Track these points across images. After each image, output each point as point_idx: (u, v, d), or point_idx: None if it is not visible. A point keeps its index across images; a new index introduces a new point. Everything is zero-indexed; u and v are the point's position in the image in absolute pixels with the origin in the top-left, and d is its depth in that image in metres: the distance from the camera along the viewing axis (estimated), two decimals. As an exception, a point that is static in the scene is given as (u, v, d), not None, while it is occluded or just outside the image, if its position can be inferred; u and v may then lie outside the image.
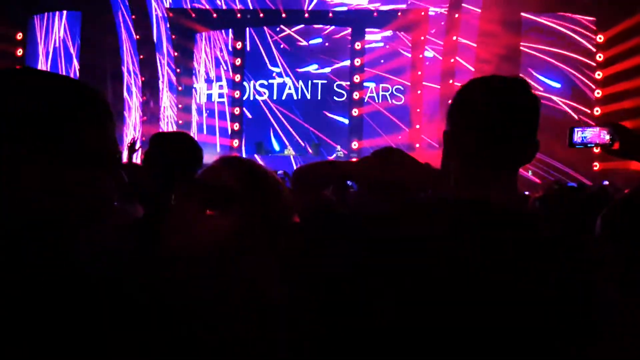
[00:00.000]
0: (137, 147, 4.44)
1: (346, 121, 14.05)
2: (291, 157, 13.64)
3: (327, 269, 1.07)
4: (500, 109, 0.99)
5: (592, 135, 1.52)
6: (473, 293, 0.91)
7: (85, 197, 0.74)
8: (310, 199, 1.42)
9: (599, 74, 11.21)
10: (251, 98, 15.11)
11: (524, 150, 1.01)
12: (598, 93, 11.20)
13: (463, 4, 11.84)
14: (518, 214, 1.00)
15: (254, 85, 15.16)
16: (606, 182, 9.49)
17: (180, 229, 1.01)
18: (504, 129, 0.99)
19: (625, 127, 1.47)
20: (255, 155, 13.83)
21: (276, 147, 14.97)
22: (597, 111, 11.10)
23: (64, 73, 13.01)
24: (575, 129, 1.53)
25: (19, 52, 12.97)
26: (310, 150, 13.90)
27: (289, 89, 14.99)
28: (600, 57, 11.16)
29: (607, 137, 1.47)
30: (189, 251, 0.92)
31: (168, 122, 14.23)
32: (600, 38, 11.09)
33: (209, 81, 15.17)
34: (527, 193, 8.19)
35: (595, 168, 10.58)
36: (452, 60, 12.23)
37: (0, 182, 0.68)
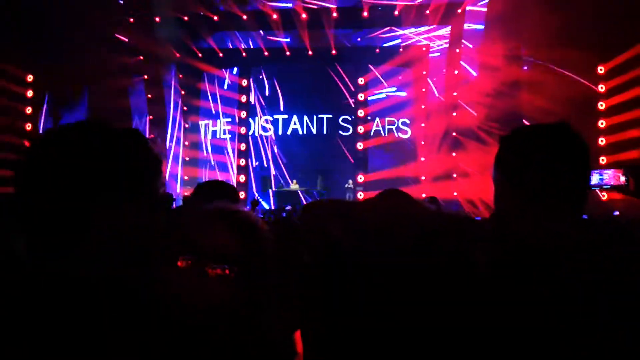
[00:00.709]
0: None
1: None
2: (298, 191, 13.67)
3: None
4: (556, 161, 1.02)
5: (609, 177, 1.54)
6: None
7: (161, 237, 0.84)
8: (318, 238, 1.44)
9: (601, 105, 11.30)
10: (257, 134, 15.28)
11: (583, 194, 1.05)
12: (602, 123, 11.25)
13: (463, 40, 12.08)
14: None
15: (259, 122, 15.36)
16: (617, 213, 9.43)
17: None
18: (560, 176, 1.02)
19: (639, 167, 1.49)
20: (262, 192, 13.89)
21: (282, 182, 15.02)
22: (601, 141, 11.13)
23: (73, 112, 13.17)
24: (593, 172, 1.55)
25: (29, 93, 13.29)
26: (317, 186, 13.95)
27: (294, 124, 15.15)
28: (602, 87, 11.27)
29: (623, 178, 1.49)
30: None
31: (176, 159, 14.38)
32: (601, 69, 11.23)
33: (214, 118, 15.38)
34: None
35: (603, 198, 10.54)
36: (455, 94, 12.38)
37: (103, 223, 0.76)
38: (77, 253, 0.75)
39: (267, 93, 15.43)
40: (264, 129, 15.39)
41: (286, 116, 15.18)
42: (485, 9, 11.48)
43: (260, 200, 10.41)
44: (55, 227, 0.75)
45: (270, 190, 14.20)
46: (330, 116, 14.89)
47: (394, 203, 1.43)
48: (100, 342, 0.70)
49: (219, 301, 0.95)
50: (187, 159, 14.51)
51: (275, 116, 15.27)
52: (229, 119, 15.09)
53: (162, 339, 0.73)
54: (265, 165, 15.31)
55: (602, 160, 10.90)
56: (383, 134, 14.09)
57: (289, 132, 15.13)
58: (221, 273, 0.97)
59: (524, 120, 11.19)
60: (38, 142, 0.79)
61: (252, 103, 15.07)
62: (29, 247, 0.76)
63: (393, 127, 14.17)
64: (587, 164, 1.05)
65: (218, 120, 15.29)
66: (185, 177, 14.05)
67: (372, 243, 1.37)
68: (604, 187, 10.57)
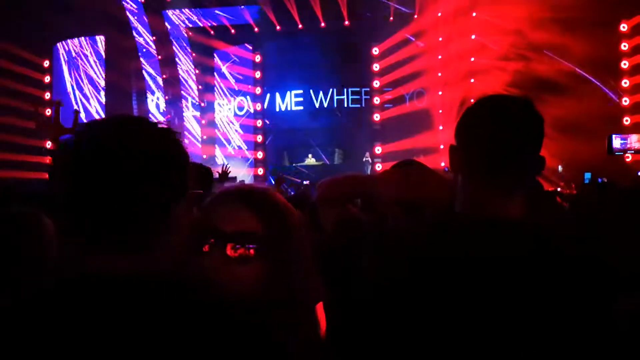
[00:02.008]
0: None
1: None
2: (317, 166, 13.65)
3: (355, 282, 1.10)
4: (506, 128, 1.03)
5: (632, 141, 1.51)
6: (490, 309, 0.94)
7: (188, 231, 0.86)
8: (335, 213, 1.44)
9: (625, 64, 10.95)
10: (277, 109, 15.16)
11: (530, 166, 1.06)
12: (626, 83, 10.93)
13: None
14: (534, 230, 1.03)
15: (276, 97, 15.25)
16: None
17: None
18: (510, 147, 1.03)
19: None
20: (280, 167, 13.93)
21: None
22: (625, 101, 10.83)
23: (91, 95, 13.34)
24: (614, 136, 1.53)
25: (47, 79, 13.44)
26: (335, 160, 13.88)
27: (309, 98, 14.99)
28: (625, 45, 10.91)
29: None
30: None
31: (193, 138, 14.47)
32: (624, 27, 10.85)
33: (232, 95, 15.35)
34: (559, 189, 8.04)
35: (627, 160, 10.30)
36: (472, 59, 12.12)
37: (158, 224, 0.78)
38: (138, 254, 0.77)
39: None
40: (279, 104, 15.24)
41: (301, 91, 15.05)
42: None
43: (286, 176, 10.40)
44: (110, 229, 0.75)
45: (285, 166, 14.20)
46: (344, 89, 14.70)
47: (410, 176, 1.42)
48: (164, 345, 0.71)
49: (244, 282, 0.94)
50: (204, 137, 14.58)
51: (293, 91, 15.12)
52: (241, 98, 15.03)
53: (211, 331, 0.74)
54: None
55: (626, 120, 10.62)
56: (399, 104, 13.90)
57: (302, 107, 14.98)
58: (244, 253, 0.95)
59: (544, 85, 10.94)
60: (83, 139, 0.78)
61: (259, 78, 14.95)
62: (75, 248, 0.77)
63: (407, 97, 13.96)
64: (537, 145, 1.05)
65: (232, 98, 15.24)
66: (204, 156, 14.16)
67: (390, 223, 1.37)
68: (628, 151, 10.34)
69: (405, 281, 1.01)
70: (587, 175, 8.64)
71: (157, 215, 0.78)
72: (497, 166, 1.03)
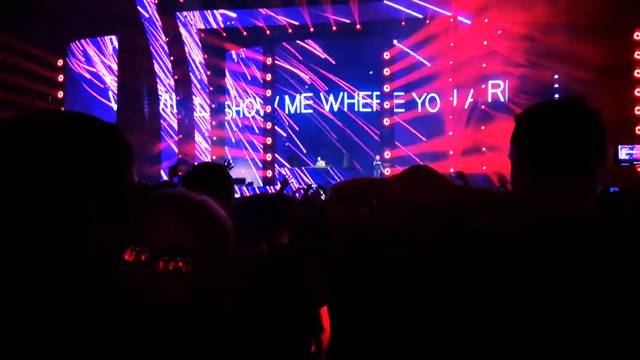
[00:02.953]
0: (178, 170, 4.68)
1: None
2: (328, 168, 13.65)
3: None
4: (569, 128, 1.05)
5: (638, 152, 1.51)
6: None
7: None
8: (344, 215, 1.44)
9: (638, 72, 10.85)
10: (290, 111, 15.19)
11: (597, 162, 1.07)
12: (638, 92, 10.83)
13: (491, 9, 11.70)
14: (611, 227, 1.04)
15: (285, 100, 15.28)
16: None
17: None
18: (573, 150, 1.04)
19: None
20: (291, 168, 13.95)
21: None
22: (638, 110, 10.73)
23: (103, 95, 13.46)
24: (620, 146, 1.53)
25: (60, 78, 13.58)
26: (344, 163, 13.88)
27: (320, 101, 15.01)
28: (638, 54, 10.81)
29: None
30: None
31: (203, 139, 14.53)
32: (637, 35, 10.75)
33: (241, 97, 15.41)
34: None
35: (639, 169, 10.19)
36: (484, 65, 12.07)
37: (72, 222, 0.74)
38: (50, 251, 0.72)
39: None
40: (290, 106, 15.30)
41: (310, 94, 15.08)
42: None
43: (292, 179, 10.39)
44: (25, 227, 0.71)
45: (295, 168, 14.22)
46: (356, 92, 14.72)
47: (420, 181, 1.42)
48: (70, 346, 0.68)
49: (174, 297, 0.88)
50: (214, 138, 14.64)
51: (303, 94, 15.15)
52: (251, 99, 15.09)
53: (123, 339, 0.71)
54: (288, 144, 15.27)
55: (639, 130, 10.51)
56: (410, 109, 13.87)
57: (311, 110, 14.99)
58: (174, 267, 0.88)
59: (555, 92, 10.85)
60: None
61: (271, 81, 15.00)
62: None
63: (419, 101, 13.93)
64: (601, 140, 1.07)
65: (242, 100, 15.29)
66: (214, 157, 14.21)
67: (400, 229, 1.37)
68: (634, 162, 10.19)
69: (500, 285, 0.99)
70: (600, 190, 8.53)
71: (63, 211, 0.73)
72: (566, 166, 1.04)
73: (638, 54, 10.83)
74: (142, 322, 0.74)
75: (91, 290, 0.73)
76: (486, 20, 11.90)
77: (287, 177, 6.86)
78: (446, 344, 0.95)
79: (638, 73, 10.84)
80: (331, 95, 14.82)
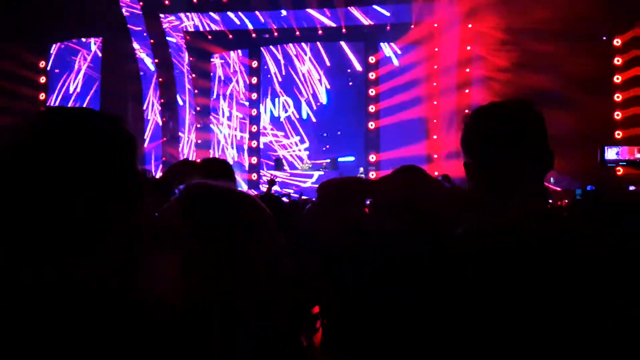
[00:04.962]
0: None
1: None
2: (314, 173, 13.67)
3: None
4: (510, 132, 1.06)
5: (624, 153, 1.53)
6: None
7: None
8: (337, 215, 1.44)
9: (618, 78, 11.06)
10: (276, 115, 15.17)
11: (542, 161, 1.08)
12: (618, 97, 11.03)
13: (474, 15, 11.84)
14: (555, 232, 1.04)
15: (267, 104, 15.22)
16: (632, 188, 9.30)
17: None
18: (518, 149, 1.05)
19: None
20: (275, 172, 13.93)
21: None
22: (617, 115, 10.93)
23: (88, 96, 13.27)
24: (607, 147, 1.56)
25: (42, 79, 13.39)
26: (323, 164, 13.91)
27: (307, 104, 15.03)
28: (618, 60, 11.02)
29: (639, 155, 1.49)
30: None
31: (188, 142, 14.45)
32: (617, 42, 10.96)
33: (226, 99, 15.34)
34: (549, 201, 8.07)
35: (618, 173, 10.38)
36: (467, 70, 12.20)
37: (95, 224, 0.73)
38: (75, 259, 0.71)
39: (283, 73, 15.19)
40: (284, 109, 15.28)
41: (290, 99, 15.02)
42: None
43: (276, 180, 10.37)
44: (41, 232, 0.70)
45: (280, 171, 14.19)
46: (341, 96, 14.75)
47: (414, 181, 1.43)
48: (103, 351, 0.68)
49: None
50: (199, 141, 14.56)
51: (284, 98, 15.14)
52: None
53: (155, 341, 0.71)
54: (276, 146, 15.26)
55: (618, 134, 10.71)
56: (395, 113, 13.95)
57: (302, 114, 14.99)
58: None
59: (538, 97, 11.01)
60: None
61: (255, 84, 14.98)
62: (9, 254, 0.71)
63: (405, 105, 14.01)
64: (543, 137, 1.08)
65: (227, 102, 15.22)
66: (198, 160, 14.11)
67: (393, 225, 1.38)
68: (620, 162, 10.47)
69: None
70: (579, 192, 8.72)
71: (85, 212, 0.72)
72: (508, 167, 1.05)
73: (618, 60, 11.04)
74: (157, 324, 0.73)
75: (111, 293, 0.72)
76: (470, 26, 12.03)
77: (272, 176, 6.84)
78: (445, 343, 0.96)
79: (617, 79, 11.05)
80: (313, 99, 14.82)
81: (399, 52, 13.91)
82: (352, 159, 14.13)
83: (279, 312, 0.98)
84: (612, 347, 0.93)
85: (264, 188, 10.84)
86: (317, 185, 1.52)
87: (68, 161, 0.72)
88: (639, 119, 10.15)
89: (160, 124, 13.87)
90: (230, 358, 0.83)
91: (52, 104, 13.22)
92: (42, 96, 13.34)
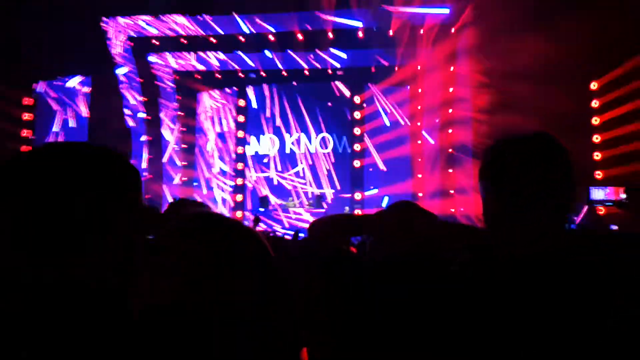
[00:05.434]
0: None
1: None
2: (300, 210, 13.66)
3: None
4: (536, 168, 1.04)
5: (610, 193, 1.56)
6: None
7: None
8: (329, 249, 1.43)
9: (596, 120, 11.39)
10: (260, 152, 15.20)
11: (566, 199, 1.06)
12: (597, 138, 11.33)
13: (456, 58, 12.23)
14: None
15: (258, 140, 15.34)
16: (614, 227, 9.43)
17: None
18: (542, 183, 1.04)
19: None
20: (261, 209, 13.87)
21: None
22: (597, 156, 11.19)
23: (74, 132, 13.16)
24: (592, 188, 1.59)
25: (25, 116, 13.32)
26: (315, 205, 13.90)
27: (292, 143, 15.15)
28: (596, 103, 11.38)
29: (623, 195, 1.52)
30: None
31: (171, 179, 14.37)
32: (594, 85, 11.36)
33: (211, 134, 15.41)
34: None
35: (600, 213, 10.56)
36: (450, 110, 12.48)
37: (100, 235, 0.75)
38: (78, 262, 0.74)
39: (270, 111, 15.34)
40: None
41: (275, 136, 15.17)
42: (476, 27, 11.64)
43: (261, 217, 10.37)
44: (41, 232, 0.72)
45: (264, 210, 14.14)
46: (331, 136, 14.90)
47: (415, 217, 1.43)
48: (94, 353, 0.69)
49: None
50: (185, 178, 14.52)
51: (269, 135, 15.24)
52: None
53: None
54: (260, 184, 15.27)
55: (598, 174, 10.95)
56: (380, 151, 14.13)
57: (287, 151, 15.10)
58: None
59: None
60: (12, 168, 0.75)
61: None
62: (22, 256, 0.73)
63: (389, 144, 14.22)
64: (569, 172, 1.07)
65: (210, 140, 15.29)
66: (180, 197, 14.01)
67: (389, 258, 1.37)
68: (606, 203, 10.68)
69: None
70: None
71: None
72: (532, 203, 1.03)
73: (595, 103, 11.39)
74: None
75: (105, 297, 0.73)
76: (452, 69, 12.39)
77: (257, 215, 6.86)
78: (445, 345, 0.95)
79: (595, 120, 11.38)
80: (302, 135, 14.95)
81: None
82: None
83: (279, 313, 0.97)
84: (612, 348, 0.93)
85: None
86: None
87: (68, 160, 0.74)
88: (618, 160, 10.40)
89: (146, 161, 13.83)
90: (230, 358, 0.82)
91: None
92: (23, 133, 13.24)
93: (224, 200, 14.70)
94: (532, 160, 1.05)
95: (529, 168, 1.04)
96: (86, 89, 13.74)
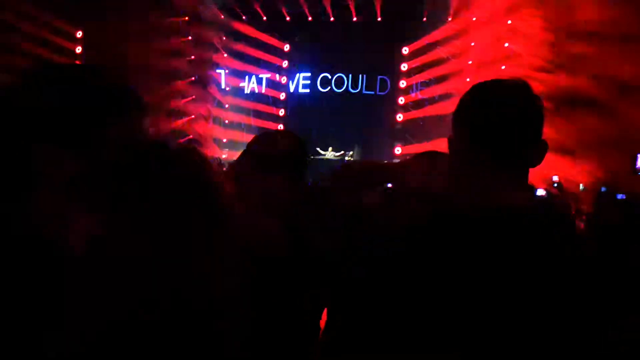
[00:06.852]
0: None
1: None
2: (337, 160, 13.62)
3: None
4: (501, 114, 1.01)
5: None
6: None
7: None
8: (349, 201, 1.42)
9: None
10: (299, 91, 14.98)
11: (530, 152, 1.02)
12: None
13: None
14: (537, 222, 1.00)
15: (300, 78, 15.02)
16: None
17: None
18: (506, 133, 1.00)
19: None
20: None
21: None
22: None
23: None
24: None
25: (78, 49, 13.59)
26: (354, 157, 13.79)
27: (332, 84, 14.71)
28: None
29: None
30: None
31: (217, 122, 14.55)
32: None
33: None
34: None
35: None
36: (503, 67, 11.94)
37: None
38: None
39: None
40: (304, 86, 14.95)
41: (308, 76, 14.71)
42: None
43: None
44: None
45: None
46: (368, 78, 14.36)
47: (437, 167, 1.39)
48: None
49: None
50: (227, 122, 14.64)
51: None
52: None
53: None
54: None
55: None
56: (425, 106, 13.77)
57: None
58: None
59: (575, 99, 10.75)
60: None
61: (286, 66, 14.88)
62: None
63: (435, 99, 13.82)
64: (540, 125, 1.03)
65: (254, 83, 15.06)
66: (224, 140, 14.22)
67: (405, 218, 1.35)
68: None
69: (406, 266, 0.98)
70: (603, 189, 8.21)
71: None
72: (500, 152, 1.00)
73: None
74: None
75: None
76: (509, 22, 11.75)
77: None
78: (444, 342, 0.94)
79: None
80: (347, 76, 14.40)
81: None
82: None
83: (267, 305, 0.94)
84: (612, 348, 0.91)
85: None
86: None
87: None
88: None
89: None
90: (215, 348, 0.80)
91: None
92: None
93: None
94: (509, 111, 1.01)
95: (506, 118, 1.01)
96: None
